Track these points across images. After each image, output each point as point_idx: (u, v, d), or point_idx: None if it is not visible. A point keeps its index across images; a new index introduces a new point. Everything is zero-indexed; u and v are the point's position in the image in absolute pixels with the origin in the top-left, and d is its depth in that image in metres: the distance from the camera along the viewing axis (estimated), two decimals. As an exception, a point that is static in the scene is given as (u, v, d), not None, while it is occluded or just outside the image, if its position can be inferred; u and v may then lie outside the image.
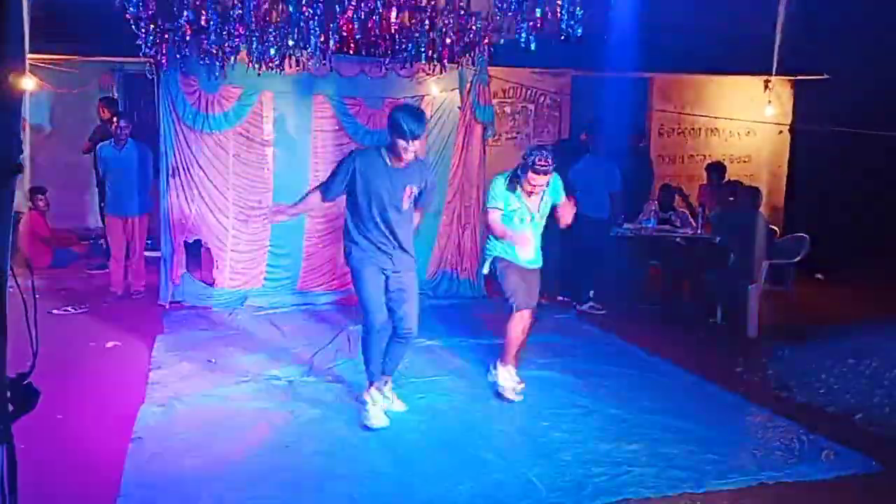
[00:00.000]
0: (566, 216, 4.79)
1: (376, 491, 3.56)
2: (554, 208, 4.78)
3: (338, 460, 3.87)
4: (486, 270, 4.89)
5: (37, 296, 1.42)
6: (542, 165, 4.45)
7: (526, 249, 4.66)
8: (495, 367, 4.88)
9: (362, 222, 4.24)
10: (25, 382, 1.31)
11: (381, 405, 4.35)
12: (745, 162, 9.70)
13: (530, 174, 4.47)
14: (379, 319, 4.26)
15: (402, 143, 4.07)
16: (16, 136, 1.25)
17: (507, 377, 4.80)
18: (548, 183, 4.59)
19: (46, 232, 8.18)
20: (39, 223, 8.11)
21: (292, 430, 4.21)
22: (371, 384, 4.36)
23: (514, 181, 4.61)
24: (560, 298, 7.24)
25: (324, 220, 7.17)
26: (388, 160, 4.19)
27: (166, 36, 5.51)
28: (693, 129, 9.45)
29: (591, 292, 7.16)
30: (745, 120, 9.46)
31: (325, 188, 4.31)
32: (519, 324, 4.75)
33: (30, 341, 1.37)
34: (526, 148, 4.86)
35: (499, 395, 4.76)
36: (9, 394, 1.29)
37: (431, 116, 7.40)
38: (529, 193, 4.60)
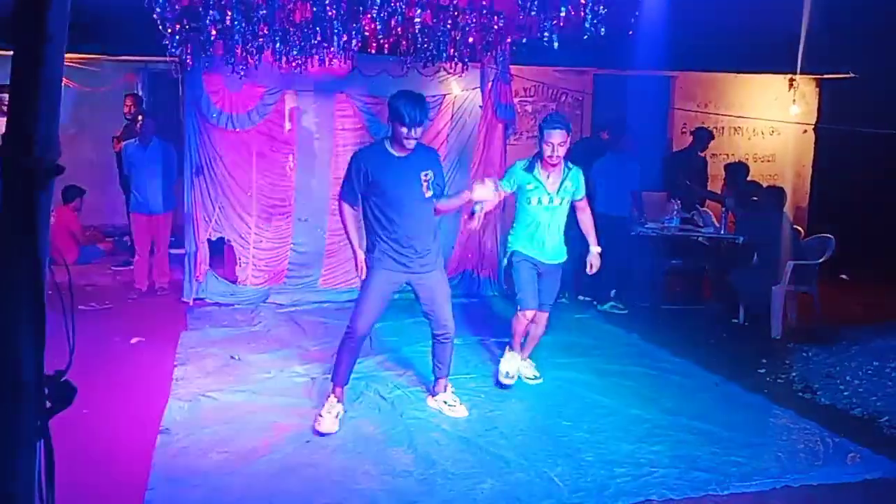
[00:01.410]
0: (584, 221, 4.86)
1: (398, 488, 3.58)
2: (574, 206, 4.82)
3: (360, 457, 3.89)
4: (505, 263, 4.96)
5: (72, 293, 1.44)
6: (555, 121, 4.53)
7: (540, 237, 4.70)
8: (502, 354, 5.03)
9: (381, 223, 4.08)
10: (63, 379, 1.34)
11: (337, 413, 4.19)
12: (769, 161, 9.61)
13: (545, 132, 4.50)
14: (362, 328, 4.17)
15: (403, 130, 3.92)
16: (55, 138, 1.28)
17: (509, 360, 4.88)
18: (565, 146, 4.54)
19: (76, 227, 8.32)
20: (72, 219, 8.26)
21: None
22: (334, 389, 4.25)
23: (533, 161, 4.65)
24: (581, 298, 7.22)
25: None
26: (392, 150, 4.05)
27: (191, 35, 5.56)
28: (716, 127, 9.35)
29: (613, 292, 7.13)
30: (768, 119, 9.37)
31: (344, 194, 4.16)
32: (522, 322, 4.80)
33: (67, 338, 1.40)
34: None
35: (497, 382, 4.88)
36: (46, 390, 1.32)
37: (453, 115, 7.43)
38: (550, 168, 4.59)
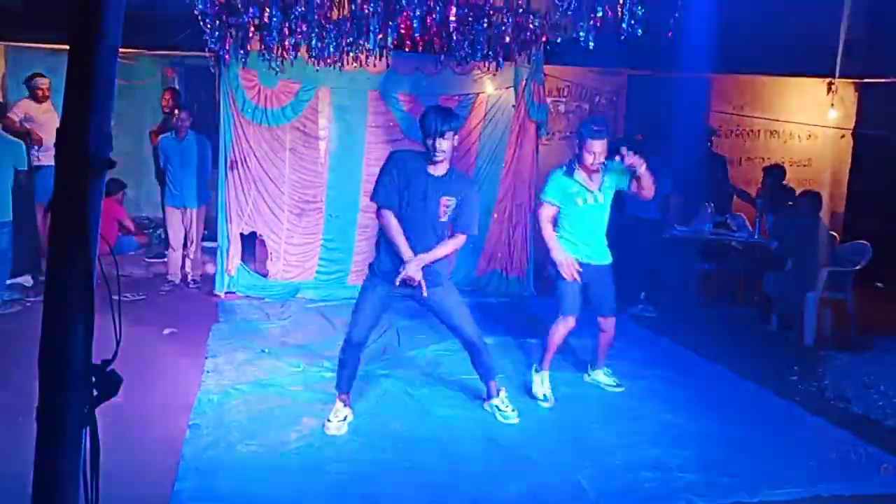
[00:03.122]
0: (646, 185, 4.61)
1: (425, 486, 3.60)
2: (624, 190, 4.74)
3: (387, 454, 3.92)
4: (552, 271, 4.78)
5: (119, 285, 1.47)
6: (597, 129, 4.52)
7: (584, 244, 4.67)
8: (590, 369, 5.08)
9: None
10: (109, 369, 1.37)
11: (345, 416, 4.18)
12: (805, 166, 9.46)
13: (588, 142, 4.49)
14: (357, 336, 4.13)
15: (427, 141, 3.91)
16: (107, 132, 1.31)
17: (538, 383, 4.77)
18: (605, 153, 4.54)
19: (124, 216, 8.46)
20: (119, 210, 8.40)
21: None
22: (339, 395, 4.25)
23: (572, 165, 4.65)
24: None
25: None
26: (429, 167, 4.02)
27: (230, 31, 5.63)
28: (752, 131, 9.25)
29: (643, 295, 7.08)
30: (804, 123, 9.23)
31: (383, 199, 4.00)
32: (562, 330, 4.73)
33: (114, 329, 1.44)
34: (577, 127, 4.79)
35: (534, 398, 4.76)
36: (94, 379, 1.35)
37: (486, 114, 7.43)
38: (589, 171, 4.58)
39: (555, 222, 4.75)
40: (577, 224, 4.68)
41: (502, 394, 4.50)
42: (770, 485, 3.69)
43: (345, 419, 4.19)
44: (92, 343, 1.35)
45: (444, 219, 4.07)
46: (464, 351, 5.40)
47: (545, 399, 4.71)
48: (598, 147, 4.50)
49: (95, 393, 1.36)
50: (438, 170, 4.03)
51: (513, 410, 4.43)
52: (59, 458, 1.33)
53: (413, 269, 3.97)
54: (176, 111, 7.40)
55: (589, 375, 5.11)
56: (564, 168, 4.70)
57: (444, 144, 3.93)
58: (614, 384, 4.98)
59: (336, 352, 5.40)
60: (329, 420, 4.16)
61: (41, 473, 1.33)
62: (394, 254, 4.04)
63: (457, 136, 4.05)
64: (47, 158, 7.11)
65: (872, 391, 5.08)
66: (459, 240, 4.16)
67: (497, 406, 4.45)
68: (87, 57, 1.25)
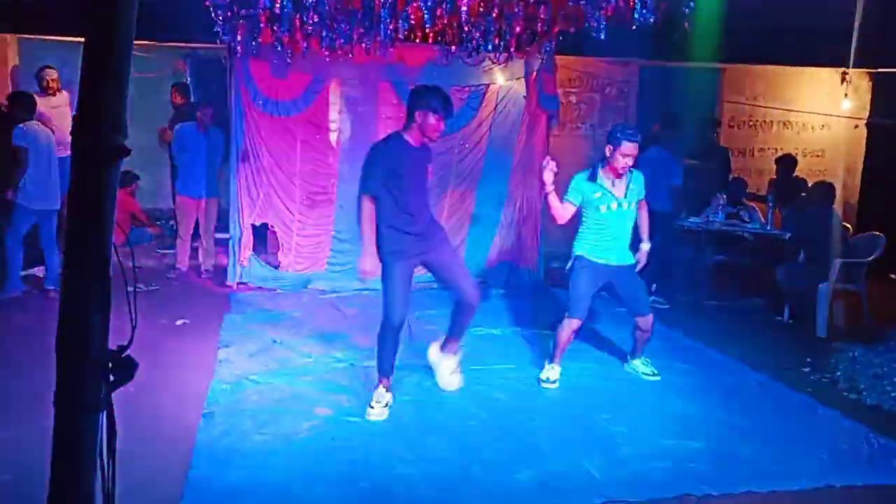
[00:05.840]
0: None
1: (436, 474, 3.62)
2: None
3: (398, 443, 3.94)
4: (568, 266, 4.87)
5: (135, 273, 1.49)
6: (632, 132, 4.55)
7: (609, 244, 4.71)
8: (630, 359, 5.13)
9: (397, 208, 4.16)
10: (125, 354, 1.39)
11: (387, 402, 4.30)
12: (818, 156, 9.40)
13: (623, 144, 4.49)
14: (398, 318, 4.22)
15: (432, 120, 4.07)
16: (122, 121, 1.33)
17: (548, 370, 4.86)
18: (636, 160, 4.61)
19: (136, 208, 8.52)
20: (130, 202, 8.46)
21: (355, 411, 4.30)
22: (380, 380, 4.35)
23: (595, 170, 4.67)
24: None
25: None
26: (410, 140, 4.18)
27: (241, 23, 5.64)
28: (765, 121, 9.19)
29: (654, 286, 7.06)
30: (818, 113, 9.16)
31: (369, 188, 4.13)
32: (567, 331, 4.79)
33: (130, 317, 1.46)
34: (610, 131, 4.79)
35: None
36: (110, 364, 1.37)
37: (497, 105, 7.41)
38: (617, 174, 4.61)
39: (579, 220, 4.79)
40: (603, 229, 4.68)
41: (460, 354, 4.68)
42: (782, 476, 3.69)
43: (387, 405, 4.28)
44: (108, 329, 1.37)
45: (431, 180, 4.41)
46: (474, 343, 5.46)
47: (548, 381, 4.81)
48: (632, 150, 4.53)
49: (112, 378, 1.38)
50: (420, 142, 4.21)
51: (459, 374, 4.63)
52: (76, 442, 1.35)
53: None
54: (200, 109, 7.40)
55: (629, 364, 5.16)
56: (587, 173, 4.72)
57: (442, 126, 4.13)
58: (651, 373, 5.03)
59: (348, 343, 5.49)
60: (371, 406, 4.25)
61: (59, 457, 1.36)
62: (393, 228, 4.18)
63: None
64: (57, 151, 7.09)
65: (885, 382, 5.06)
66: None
67: (450, 366, 4.64)
68: (102, 47, 1.27)
